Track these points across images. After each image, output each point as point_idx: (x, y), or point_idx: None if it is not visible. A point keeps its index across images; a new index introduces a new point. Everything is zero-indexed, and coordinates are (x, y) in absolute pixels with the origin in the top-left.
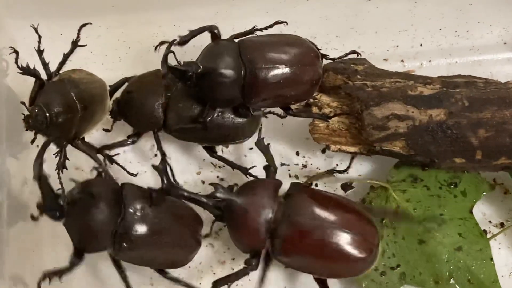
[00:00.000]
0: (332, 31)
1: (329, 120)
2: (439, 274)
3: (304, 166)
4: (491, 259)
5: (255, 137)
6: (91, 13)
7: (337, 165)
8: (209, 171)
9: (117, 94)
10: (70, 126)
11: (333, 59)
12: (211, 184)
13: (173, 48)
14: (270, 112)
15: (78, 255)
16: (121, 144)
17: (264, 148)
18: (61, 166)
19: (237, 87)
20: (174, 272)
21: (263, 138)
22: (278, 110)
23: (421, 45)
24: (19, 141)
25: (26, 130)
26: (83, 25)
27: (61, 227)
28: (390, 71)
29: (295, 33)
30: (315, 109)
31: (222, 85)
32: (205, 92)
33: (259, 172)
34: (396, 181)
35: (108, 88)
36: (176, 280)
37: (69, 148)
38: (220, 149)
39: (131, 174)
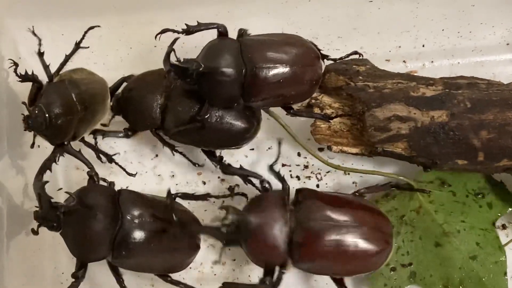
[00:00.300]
0: (334, 31)
1: (331, 121)
2: (450, 279)
3: (306, 167)
4: (505, 273)
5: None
6: (92, 14)
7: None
8: (210, 172)
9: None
10: (69, 128)
11: (335, 59)
12: (222, 207)
13: (176, 44)
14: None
15: (82, 265)
16: (114, 134)
17: (275, 174)
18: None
19: (237, 85)
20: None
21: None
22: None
23: (423, 45)
24: (20, 141)
25: (25, 130)
26: (91, 28)
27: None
28: (392, 72)
29: (296, 33)
30: (316, 110)
31: (222, 83)
32: (205, 90)
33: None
34: (423, 181)
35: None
36: (177, 283)
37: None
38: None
39: (130, 175)
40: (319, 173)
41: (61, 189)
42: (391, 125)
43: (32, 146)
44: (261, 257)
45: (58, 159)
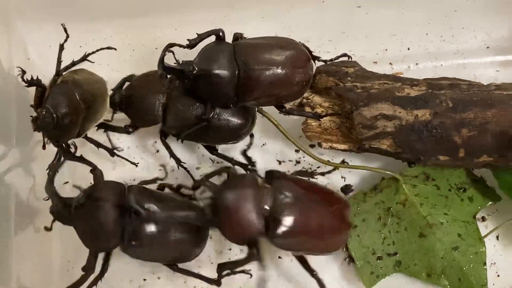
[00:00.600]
0: (325, 35)
1: (321, 119)
2: (433, 268)
3: (298, 162)
4: (485, 263)
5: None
6: (98, 18)
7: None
8: (207, 166)
9: None
10: (75, 126)
11: (325, 61)
12: (196, 181)
13: (178, 38)
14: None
15: (93, 255)
16: (116, 129)
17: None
18: (57, 167)
19: (231, 87)
20: None
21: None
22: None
23: (408, 49)
24: (28, 141)
25: (34, 131)
26: (108, 48)
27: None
28: (379, 74)
29: (289, 36)
30: (308, 109)
31: (216, 84)
32: (201, 91)
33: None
34: (409, 175)
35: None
36: (182, 271)
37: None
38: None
39: (133, 163)
40: (310, 168)
41: (67, 182)
42: (378, 123)
43: (44, 147)
44: (237, 231)
45: (62, 164)
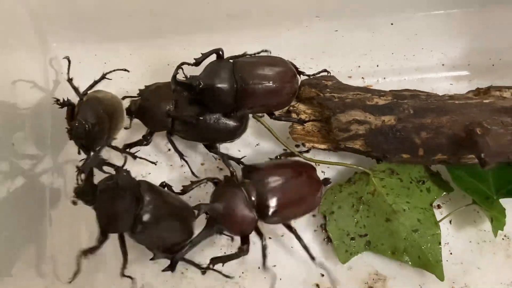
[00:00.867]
0: (308, 54)
1: (305, 124)
2: (397, 247)
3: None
4: (440, 243)
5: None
6: (119, 39)
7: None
8: (211, 162)
9: None
10: (102, 134)
11: (308, 76)
12: (193, 207)
13: (186, 56)
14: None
15: (103, 235)
16: (138, 143)
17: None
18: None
19: (230, 98)
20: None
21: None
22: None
23: (377, 65)
24: (61, 148)
25: (70, 139)
26: (123, 70)
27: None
28: (353, 86)
29: (279, 55)
30: (294, 115)
31: (218, 96)
32: (206, 101)
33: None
34: (377, 170)
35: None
36: (186, 261)
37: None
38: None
39: (152, 162)
40: None
41: (78, 169)
42: (351, 127)
43: (79, 152)
44: (239, 229)
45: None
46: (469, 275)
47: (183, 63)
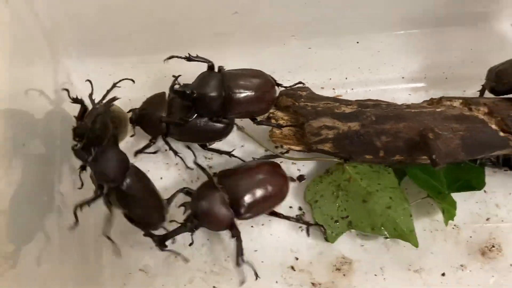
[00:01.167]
0: (286, 68)
1: (282, 129)
2: (375, 223)
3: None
4: (411, 215)
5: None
6: (122, 54)
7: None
8: (202, 160)
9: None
10: (102, 139)
11: (285, 87)
12: (181, 205)
13: (180, 69)
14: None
15: (100, 188)
16: (146, 146)
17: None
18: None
19: (219, 104)
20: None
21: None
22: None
23: (346, 78)
24: (68, 148)
25: (73, 138)
26: (130, 79)
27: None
28: (324, 96)
29: (260, 68)
30: (273, 121)
31: (209, 103)
32: (198, 107)
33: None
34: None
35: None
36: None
37: None
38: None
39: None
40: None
41: (76, 145)
42: (322, 132)
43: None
44: (219, 225)
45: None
46: (423, 259)
47: (177, 76)
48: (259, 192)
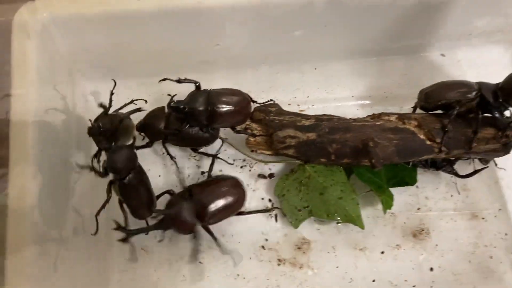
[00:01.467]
0: (260, 88)
1: (256, 137)
2: (330, 211)
3: (244, 160)
4: (358, 204)
5: (215, 146)
6: (128, 76)
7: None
8: (192, 162)
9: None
10: (112, 139)
11: (259, 103)
12: (157, 210)
13: (174, 89)
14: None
15: (105, 171)
16: (145, 147)
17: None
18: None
19: (205, 117)
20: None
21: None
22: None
23: (308, 96)
24: (85, 147)
25: (89, 136)
26: (142, 100)
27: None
28: (289, 111)
29: (239, 88)
30: (249, 131)
31: (197, 116)
32: (189, 119)
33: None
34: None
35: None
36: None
37: None
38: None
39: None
40: (251, 164)
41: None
42: (286, 140)
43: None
44: (183, 229)
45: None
46: (367, 240)
47: (172, 94)
48: (221, 202)
